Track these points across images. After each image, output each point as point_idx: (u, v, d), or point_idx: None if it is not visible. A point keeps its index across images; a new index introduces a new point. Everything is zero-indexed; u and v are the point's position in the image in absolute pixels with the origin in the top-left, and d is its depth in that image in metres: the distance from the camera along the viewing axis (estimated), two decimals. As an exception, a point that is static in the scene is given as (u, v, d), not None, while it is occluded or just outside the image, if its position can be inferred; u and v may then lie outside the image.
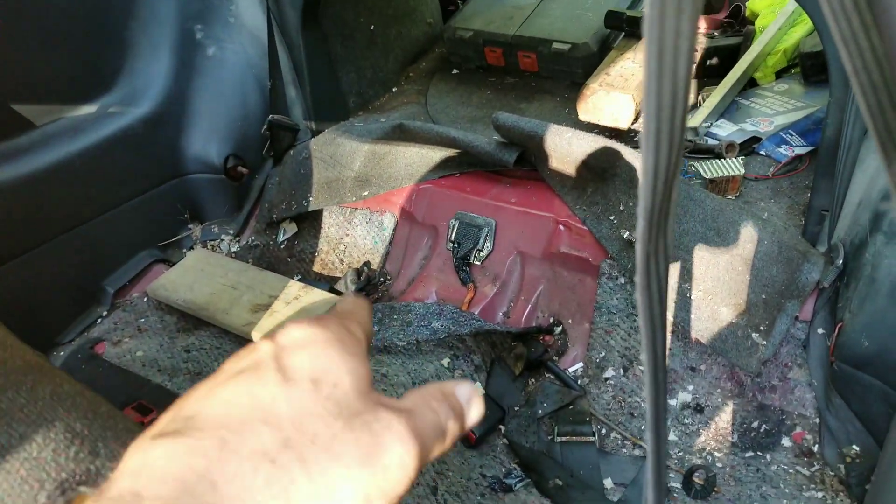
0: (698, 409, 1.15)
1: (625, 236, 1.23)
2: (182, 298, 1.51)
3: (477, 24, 1.86)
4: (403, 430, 0.30)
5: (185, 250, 1.68)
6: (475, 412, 0.36)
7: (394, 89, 1.92)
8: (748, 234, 1.14)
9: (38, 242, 1.41)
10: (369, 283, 1.50)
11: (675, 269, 1.16)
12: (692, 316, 1.13)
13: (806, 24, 1.56)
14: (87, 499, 0.31)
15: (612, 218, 1.27)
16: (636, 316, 1.24)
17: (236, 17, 1.58)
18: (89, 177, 1.46)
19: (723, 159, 1.32)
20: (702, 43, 1.70)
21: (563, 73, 1.79)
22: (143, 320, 1.52)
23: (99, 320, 1.53)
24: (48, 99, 1.41)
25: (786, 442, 1.07)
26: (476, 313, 1.33)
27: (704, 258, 1.13)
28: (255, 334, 1.39)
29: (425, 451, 0.32)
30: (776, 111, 1.42)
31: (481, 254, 1.39)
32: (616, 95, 1.49)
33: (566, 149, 1.28)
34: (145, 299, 1.57)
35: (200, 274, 1.57)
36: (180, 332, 1.49)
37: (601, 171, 1.26)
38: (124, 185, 1.54)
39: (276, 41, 1.61)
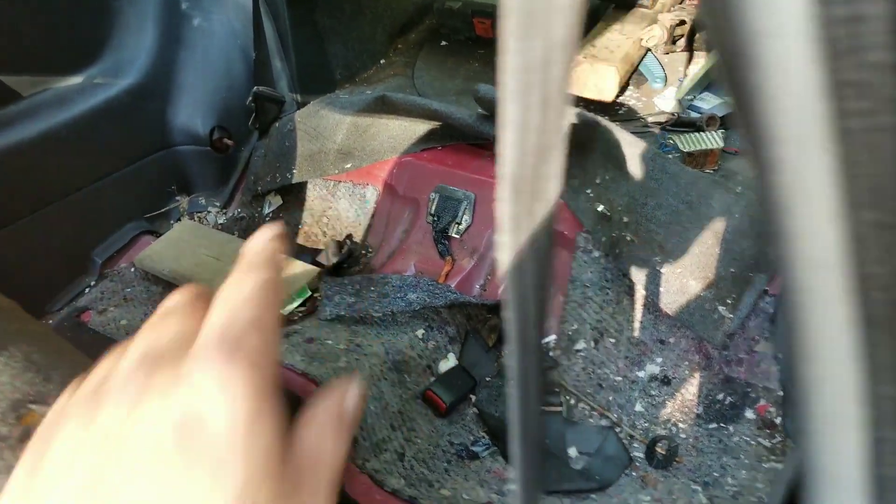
0: (665, 380, 1.16)
1: (599, 209, 1.23)
2: (168, 269, 1.53)
3: (467, -6, 1.84)
4: None
5: (172, 222, 1.70)
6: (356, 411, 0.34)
7: (381, 61, 1.91)
8: (720, 208, 1.13)
9: (27, 212, 1.43)
10: (351, 256, 1.51)
11: (647, 243, 1.16)
12: (661, 289, 1.13)
13: None
14: (36, 416, 0.33)
15: (588, 191, 1.27)
16: (608, 289, 1.24)
17: (221, -13, 1.58)
18: (76, 147, 1.48)
19: (702, 132, 1.31)
20: (692, 14, 1.68)
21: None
22: (129, 290, 1.54)
23: (87, 290, 1.56)
24: (35, 70, 1.43)
25: (749, 414, 1.07)
26: (453, 286, 1.33)
27: (676, 231, 1.13)
28: (237, 304, 1.41)
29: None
30: (708, 92, 1.41)
31: (460, 227, 1.40)
32: (600, 67, 1.47)
33: (543, 121, 1.27)
34: (132, 269, 1.60)
35: (186, 245, 1.59)
36: (165, 301, 1.51)
37: (580, 144, 1.26)
38: (111, 156, 1.55)
39: (261, 12, 1.60)
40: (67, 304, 1.52)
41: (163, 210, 1.69)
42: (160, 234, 1.66)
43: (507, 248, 0.33)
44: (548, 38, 0.28)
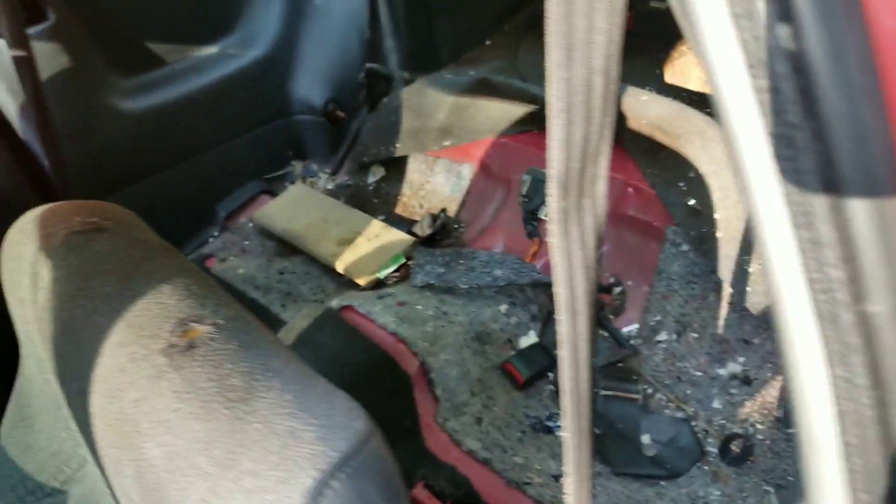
0: (746, 380, 1.17)
1: (691, 204, 1.24)
2: (281, 227, 1.67)
3: (580, -21, 1.85)
4: None
5: (287, 184, 1.85)
6: None
7: (487, 42, 1.96)
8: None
9: (164, 166, 1.61)
10: (444, 229, 1.59)
11: (736, 241, 1.16)
12: (748, 289, 1.14)
13: None
14: (197, 332, 0.44)
15: (681, 184, 1.28)
16: (695, 284, 1.26)
17: (343, -32, 1.68)
18: (209, 111, 1.63)
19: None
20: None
21: (657, 33, 1.75)
22: (247, 242, 1.70)
23: (211, 239, 1.73)
24: (177, 39, 1.59)
25: None
26: (538, 266, 1.39)
27: (766, 232, 1.13)
28: (339, 265, 1.53)
29: None
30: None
31: (552, 210, 1.44)
32: (708, 60, 1.46)
33: (642, 110, 1.29)
34: (250, 224, 1.75)
35: (298, 207, 1.72)
36: (277, 256, 1.66)
37: (676, 135, 1.27)
38: (239, 121, 1.71)
39: None
40: (194, 251, 1.69)
41: (280, 173, 1.83)
42: (276, 194, 1.80)
43: (555, 236, 0.40)
44: (588, 66, 0.34)
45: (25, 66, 1.08)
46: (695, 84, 1.49)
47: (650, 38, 1.79)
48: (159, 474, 0.39)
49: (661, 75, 1.66)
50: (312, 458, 0.36)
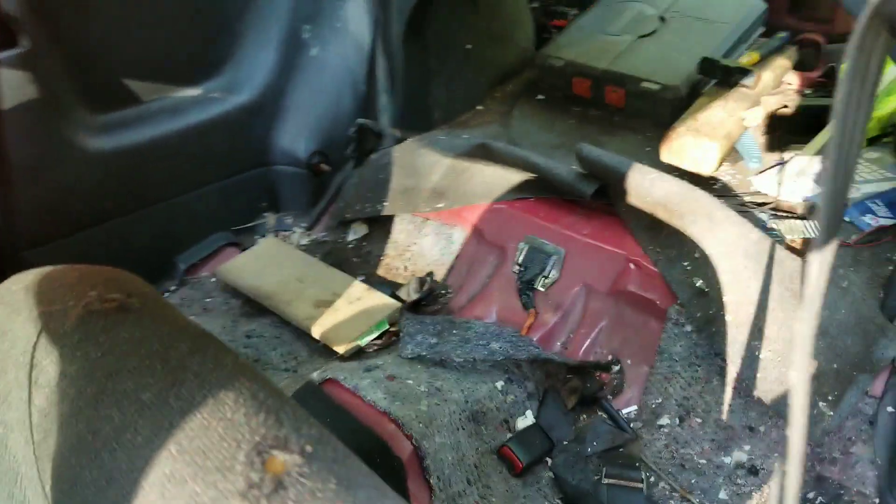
0: (753, 470, 1.12)
1: (696, 284, 1.22)
2: (249, 284, 1.56)
3: (569, 54, 1.87)
4: None
5: (257, 237, 1.74)
6: None
7: (479, 107, 1.95)
8: (826, 302, 1.11)
9: (126, 211, 1.48)
10: (430, 294, 1.52)
11: (746, 326, 1.14)
12: (758, 375, 1.11)
13: (908, 95, 1.52)
14: (279, 463, 0.33)
15: (685, 263, 1.26)
16: (698, 366, 1.22)
17: (343, 21, 1.64)
18: (183, 156, 1.53)
19: (805, 220, 1.30)
20: (794, 100, 1.68)
21: (649, 113, 1.79)
22: (208, 300, 1.57)
23: (167, 294, 1.59)
24: (157, 78, 1.49)
25: (841, 518, 1.04)
26: (534, 339, 1.33)
27: (778, 319, 1.11)
28: (315, 329, 1.43)
29: None
30: (864, 178, 1.39)
31: (546, 280, 1.40)
32: (703, 141, 1.48)
33: (647, 188, 1.28)
34: (213, 280, 1.63)
35: (270, 262, 1.62)
36: (243, 316, 1.53)
37: (680, 215, 1.26)
38: (213, 168, 1.61)
39: (377, 49, 1.66)
40: (149, 306, 1.55)
41: (250, 225, 1.73)
42: (244, 248, 1.69)
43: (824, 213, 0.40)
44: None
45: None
46: (690, 164, 1.50)
47: (640, 116, 1.82)
48: None
49: (651, 153, 1.68)
50: None
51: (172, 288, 1.61)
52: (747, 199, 1.46)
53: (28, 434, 0.41)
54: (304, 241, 1.74)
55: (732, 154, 1.62)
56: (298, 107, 1.66)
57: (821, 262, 0.36)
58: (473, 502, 1.09)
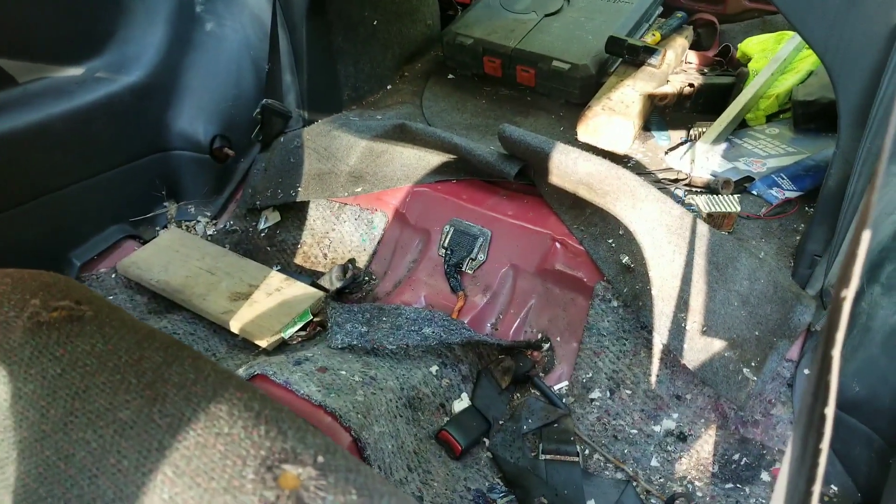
0: (681, 437, 1.17)
1: (623, 261, 1.25)
2: (155, 279, 1.44)
3: (478, 32, 1.85)
4: None
5: (158, 228, 1.61)
6: None
7: (388, 87, 1.89)
8: (745, 272, 1.17)
9: (7, 206, 1.32)
10: (354, 282, 1.47)
11: (671, 299, 1.18)
12: (685, 345, 1.15)
13: (798, 72, 1.62)
14: (292, 477, 0.29)
15: (610, 241, 1.28)
16: (626, 340, 1.25)
17: (240, -6, 1.52)
18: (69, 142, 1.38)
19: (719, 195, 1.35)
20: (696, 78, 1.75)
21: (559, 92, 1.80)
22: (111, 298, 1.44)
23: (60, 294, 1.44)
24: (33, 56, 1.33)
25: (765, 476, 1.10)
26: (465, 322, 1.31)
27: (702, 290, 1.16)
28: (234, 324, 1.34)
29: None
30: (768, 154, 1.47)
31: (474, 263, 1.38)
32: (618, 120, 1.51)
33: (571, 167, 1.28)
34: (113, 276, 1.49)
35: (175, 255, 1.50)
36: (151, 314, 1.42)
37: (603, 193, 1.28)
38: (104, 155, 1.46)
39: (278, 24, 1.56)
40: (40, 309, 1.40)
41: (149, 215, 1.59)
42: (144, 241, 1.56)
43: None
44: None
45: None
46: (606, 143, 1.53)
47: (551, 95, 1.83)
48: None
49: (565, 132, 1.70)
50: None
51: (64, 288, 1.45)
52: (661, 175, 1.50)
53: None
54: (211, 231, 1.63)
55: (642, 132, 1.67)
56: (195, 87, 1.53)
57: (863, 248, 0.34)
58: (416, 488, 1.07)
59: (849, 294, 0.30)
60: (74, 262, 1.47)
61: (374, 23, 1.78)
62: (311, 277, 1.48)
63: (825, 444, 0.33)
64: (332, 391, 1.10)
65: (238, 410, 0.34)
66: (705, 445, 1.16)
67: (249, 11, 1.55)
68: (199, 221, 1.64)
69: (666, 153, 1.57)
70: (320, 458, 0.32)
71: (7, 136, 1.28)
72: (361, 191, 1.48)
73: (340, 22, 1.68)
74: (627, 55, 1.74)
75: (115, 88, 1.44)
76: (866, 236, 0.31)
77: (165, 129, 1.54)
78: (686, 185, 1.43)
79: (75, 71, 1.40)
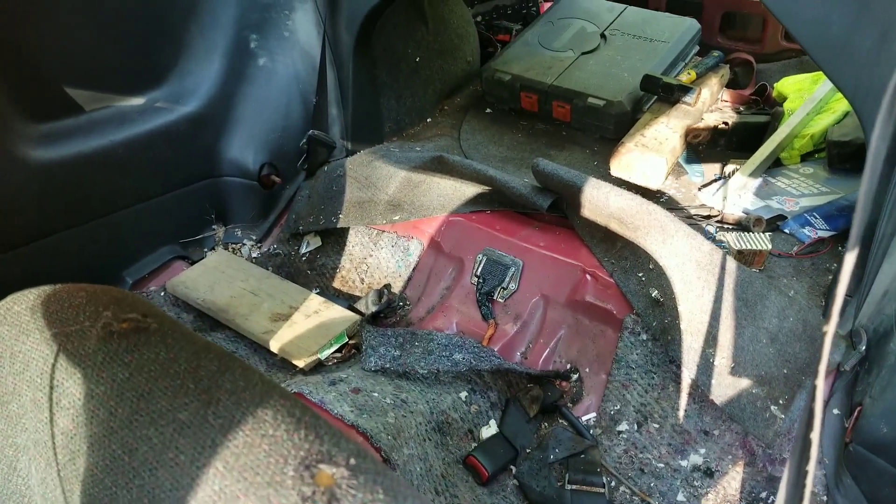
0: (708, 472, 1.17)
1: (653, 294, 1.27)
2: (201, 298, 1.51)
3: (516, 68, 1.91)
4: None
5: (206, 250, 1.69)
6: None
7: (428, 120, 1.96)
8: (775, 309, 1.18)
9: (69, 225, 1.41)
10: (389, 306, 1.51)
11: (700, 334, 1.19)
12: (713, 381, 1.16)
13: (833, 113, 1.63)
14: (327, 476, 0.33)
15: (640, 275, 1.31)
16: (654, 373, 1.27)
17: (292, 32, 1.61)
18: (128, 167, 1.47)
19: (750, 233, 1.37)
20: (731, 117, 1.77)
21: (594, 127, 1.85)
22: (158, 315, 1.51)
23: (113, 310, 1.52)
24: (100, 87, 1.43)
25: (792, 515, 1.10)
26: (495, 350, 1.35)
27: (731, 327, 1.17)
28: (273, 344, 1.40)
29: None
30: (801, 193, 1.48)
31: (505, 292, 1.42)
32: (650, 157, 1.54)
33: (602, 202, 1.32)
34: (162, 294, 1.57)
35: (221, 275, 1.57)
36: (196, 331, 1.49)
37: (634, 227, 1.30)
38: (159, 180, 1.55)
39: (326, 60, 1.64)
40: (93, 324, 1.48)
41: (198, 237, 1.67)
42: (193, 261, 1.64)
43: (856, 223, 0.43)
44: None
45: None
46: (638, 178, 1.56)
47: (586, 130, 1.87)
48: None
49: (599, 166, 1.73)
50: None
51: (116, 304, 1.54)
52: (694, 211, 1.52)
53: (51, 456, 0.39)
54: (256, 254, 1.70)
55: (676, 168, 1.70)
56: (247, 118, 1.62)
57: (848, 267, 0.38)
58: None
59: (829, 329, 0.34)
60: (127, 280, 1.55)
61: (417, 59, 1.86)
62: (348, 301, 1.54)
63: (811, 467, 0.35)
64: (364, 412, 1.15)
65: (282, 416, 0.38)
66: (732, 482, 1.16)
67: (300, 48, 1.64)
68: (244, 244, 1.71)
69: (699, 189, 1.59)
70: (353, 461, 0.36)
71: (73, 160, 1.38)
72: (399, 219, 1.53)
73: (385, 58, 1.76)
74: (662, 93, 1.78)
75: (172, 118, 1.53)
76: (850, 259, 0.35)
77: (217, 156, 1.63)
78: (718, 221, 1.45)
79: (137, 100, 1.50)
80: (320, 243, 1.66)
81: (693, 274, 1.22)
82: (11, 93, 1.28)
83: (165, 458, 0.37)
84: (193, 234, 1.67)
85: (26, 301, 0.45)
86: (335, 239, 1.64)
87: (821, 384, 0.35)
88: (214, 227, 1.71)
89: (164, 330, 0.45)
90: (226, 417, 0.38)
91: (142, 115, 1.49)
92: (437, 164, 1.55)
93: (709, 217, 1.48)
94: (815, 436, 0.36)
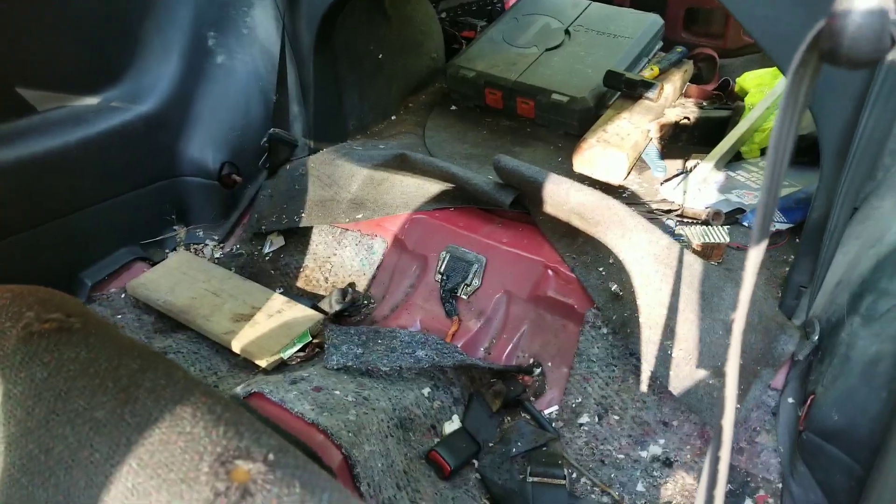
0: (667, 462, 1.19)
1: (612, 289, 1.28)
2: (162, 299, 1.49)
3: (480, 65, 1.91)
4: None
5: (167, 251, 1.67)
6: None
7: (392, 117, 1.95)
8: (731, 301, 1.19)
9: (24, 227, 1.38)
10: (353, 305, 1.51)
11: (658, 327, 1.20)
12: (671, 373, 1.18)
13: (791, 108, 1.66)
14: (243, 472, 0.33)
15: (600, 269, 1.32)
16: (615, 366, 1.28)
17: (250, 28, 1.60)
18: (84, 168, 1.44)
19: (709, 226, 1.38)
20: (693, 112, 1.79)
21: (558, 123, 1.85)
22: (119, 317, 1.49)
23: (72, 312, 1.49)
24: (53, 86, 1.40)
25: (749, 503, 1.11)
26: (459, 346, 1.35)
27: (688, 319, 1.18)
28: (235, 344, 1.38)
29: None
30: (759, 186, 1.50)
31: (469, 288, 1.42)
32: (612, 152, 1.55)
33: (563, 197, 1.32)
34: (123, 296, 1.55)
35: (183, 276, 1.55)
36: (157, 332, 1.47)
37: (595, 223, 1.31)
38: (117, 180, 1.52)
39: (286, 57, 1.63)
40: (50, 327, 1.45)
41: (158, 238, 1.65)
42: (154, 263, 1.62)
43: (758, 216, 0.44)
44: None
45: None
46: (601, 174, 1.57)
47: (550, 127, 1.88)
48: None
49: (563, 162, 1.74)
50: None
51: (75, 307, 1.51)
52: (655, 206, 1.54)
53: None
54: (218, 255, 1.68)
55: (639, 163, 1.71)
56: (205, 116, 1.60)
57: (755, 260, 0.38)
58: None
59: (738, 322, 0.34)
60: (86, 282, 1.52)
61: (380, 56, 1.85)
62: (312, 300, 1.53)
63: (725, 453, 0.36)
64: (325, 410, 1.14)
65: (201, 412, 0.38)
66: (691, 472, 1.17)
67: (259, 44, 1.63)
68: (207, 245, 1.69)
69: (661, 184, 1.61)
70: (271, 456, 0.36)
71: (27, 161, 1.35)
72: (362, 217, 1.52)
73: (346, 55, 1.75)
74: (625, 88, 1.79)
75: (129, 117, 1.51)
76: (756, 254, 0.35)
77: (176, 156, 1.60)
78: (678, 215, 1.47)
79: (92, 100, 1.48)
80: (283, 243, 1.65)
81: (651, 268, 1.23)
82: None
83: (80, 457, 0.36)
84: (154, 235, 1.65)
85: None
86: (298, 238, 1.63)
87: (734, 373, 0.36)
88: (176, 227, 1.68)
89: (87, 329, 0.44)
90: (143, 415, 0.37)
91: (97, 115, 1.47)
92: (400, 162, 1.54)
93: (669, 211, 1.49)
94: (726, 422, 0.37)
